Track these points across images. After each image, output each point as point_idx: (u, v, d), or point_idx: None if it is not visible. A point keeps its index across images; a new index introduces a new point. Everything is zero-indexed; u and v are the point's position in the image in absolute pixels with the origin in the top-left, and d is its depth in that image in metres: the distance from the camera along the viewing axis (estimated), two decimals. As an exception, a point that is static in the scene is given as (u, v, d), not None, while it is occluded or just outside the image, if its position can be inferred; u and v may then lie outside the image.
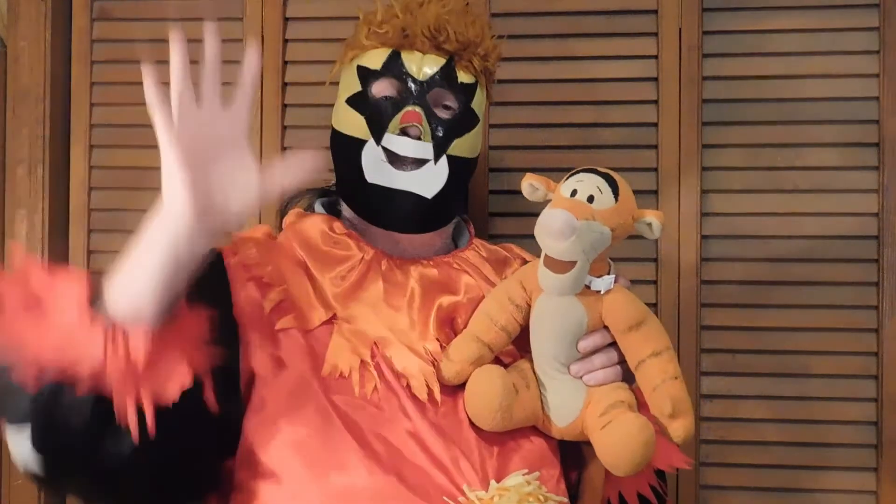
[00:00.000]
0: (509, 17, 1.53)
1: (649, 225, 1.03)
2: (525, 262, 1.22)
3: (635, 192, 1.06)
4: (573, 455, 1.11)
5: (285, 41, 1.56)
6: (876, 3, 1.46)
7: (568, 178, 1.04)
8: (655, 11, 1.50)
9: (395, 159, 1.11)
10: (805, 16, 1.48)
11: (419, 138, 1.10)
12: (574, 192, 1.01)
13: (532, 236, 1.38)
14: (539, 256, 1.03)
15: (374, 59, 1.14)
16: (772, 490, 1.47)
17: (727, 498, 1.48)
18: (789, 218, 1.47)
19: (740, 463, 1.47)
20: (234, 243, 1.13)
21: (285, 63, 1.56)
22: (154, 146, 1.65)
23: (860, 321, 1.46)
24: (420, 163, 1.11)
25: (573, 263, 0.99)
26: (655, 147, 1.49)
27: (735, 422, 1.47)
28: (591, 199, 1.00)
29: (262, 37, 1.56)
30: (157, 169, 1.61)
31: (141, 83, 1.69)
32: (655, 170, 1.49)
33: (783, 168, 1.48)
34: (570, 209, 0.98)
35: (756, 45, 1.49)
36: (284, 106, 1.56)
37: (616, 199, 1.01)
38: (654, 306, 1.48)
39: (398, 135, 1.11)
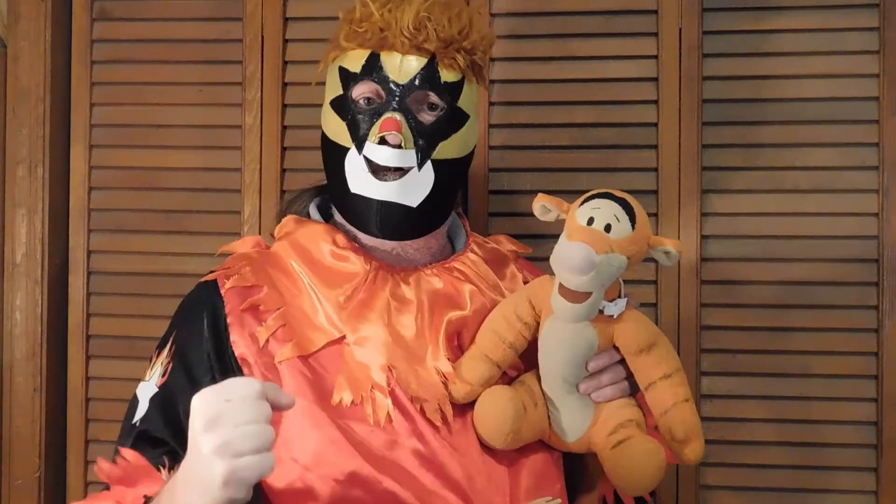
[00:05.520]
0: (509, 17, 1.53)
1: (667, 253, 1.02)
2: (517, 255, 1.22)
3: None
4: (568, 457, 1.11)
5: (285, 41, 1.56)
6: (876, 3, 1.46)
7: (583, 202, 1.02)
8: (655, 11, 1.50)
9: (376, 169, 1.07)
10: (805, 16, 1.47)
11: (399, 146, 1.06)
12: (591, 220, 0.99)
13: (531, 237, 1.38)
14: (529, 253, 1.03)
15: (354, 60, 1.10)
16: (772, 490, 1.46)
17: (727, 498, 1.48)
18: (789, 218, 1.47)
19: (740, 463, 1.47)
20: (227, 264, 1.12)
21: (285, 63, 1.56)
22: (153, 146, 1.66)
23: (860, 321, 1.45)
24: (402, 171, 1.07)
25: (589, 294, 0.98)
26: (655, 147, 1.49)
27: (735, 422, 1.47)
28: (608, 227, 0.98)
29: (262, 37, 1.56)
30: (157, 169, 1.62)
31: (141, 83, 1.71)
32: (655, 170, 1.49)
33: (783, 168, 1.48)
34: (588, 242, 0.96)
35: (756, 45, 1.48)
36: (284, 106, 1.56)
37: (633, 227, 1.00)
38: (654, 306, 1.48)
39: (378, 143, 1.06)
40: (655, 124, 1.49)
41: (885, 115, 1.45)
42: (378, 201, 1.08)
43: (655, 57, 1.50)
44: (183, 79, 1.59)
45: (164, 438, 1.01)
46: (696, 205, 1.48)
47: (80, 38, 1.61)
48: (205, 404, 0.82)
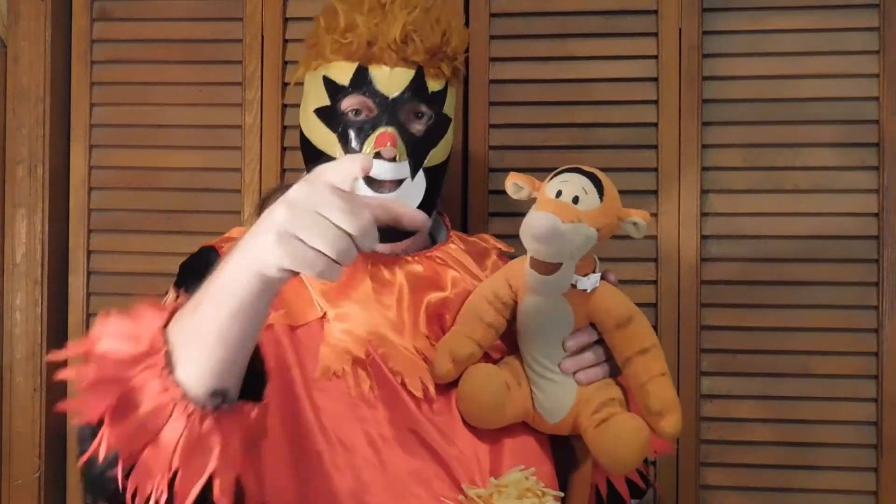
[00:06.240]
0: (509, 17, 1.53)
1: (635, 224, 1.03)
2: (501, 251, 1.23)
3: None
4: (560, 445, 1.11)
5: (285, 41, 1.56)
6: (876, 3, 1.46)
7: (552, 177, 1.03)
8: (655, 11, 1.50)
9: (372, 182, 1.08)
10: (805, 16, 1.47)
11: (394, 159, 1.08)
12: (559, 193, 1.00)
13: (532, 236, 1.38)
14: (522, 254, 1.03)
15: (341, 73, 1.11)
16: (771, 490, 1.46)
17: (727, 498, 1.48)
18: (789, 218, 1.47)
19: (740, 463, 1.47)
20: (220, 241, 1.13)
21: (285, 63, 1.56)
22: (153, 146, 1.66)
23: (860, 321, 1.45)
24: (398, 183, 1.09)
25: (559, 265, 0.99)
26: (655, 147, 1.49)
27: (735, 422, 1.47)
28: (576, 199, 0.99)
29: (262, 37, 1.56)
30: (157, 169, 1.62)
31: (141, 83, 1.71)
32: (655, 170, 1.49)
33: (783, 168, 1.48)
34: (555, 211, 0.97)
35: (756, 45, 1.48)
36: (284, 106, 1.56)
37: (601, 200, 1.01)
38: (654, 306, 1.48)
39: (373, 157, 1.07)
40: (655, 124, 1.49)
41: (885, 115, 1.45)
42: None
43: (655, 57, 1.50)
44: (183, 79, 1.59)
45: None
46: (696, 205, 1.48)
47: (80, 38, 1.61)
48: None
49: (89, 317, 1.60)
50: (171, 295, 1.07)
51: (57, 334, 1.60)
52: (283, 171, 1.56)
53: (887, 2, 1.45)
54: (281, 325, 1.03)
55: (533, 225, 0.98)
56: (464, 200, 1.53)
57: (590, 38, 1.52)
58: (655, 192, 1.49)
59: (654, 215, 1.48)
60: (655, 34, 1.50)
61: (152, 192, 1.59)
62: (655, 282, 1.49)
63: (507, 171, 1.51)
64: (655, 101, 1.49)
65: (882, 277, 1.44)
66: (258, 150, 1.56)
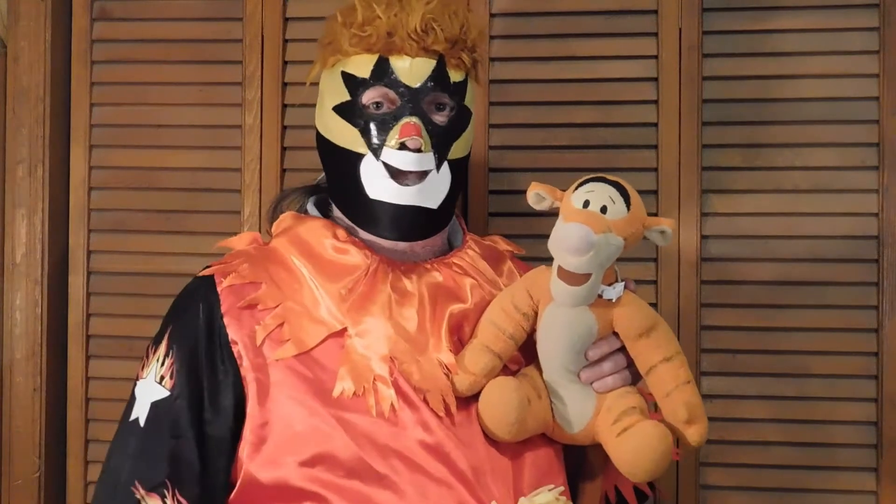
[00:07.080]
0: (509, 17, 1.53)
1: (662, 233, 1.02)
2: (512, 254, 1.22)
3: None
4: (571, 452, 1.12)
5: (285, 41, 1.56)
6: (876, 3, 1.46)
7: (577, 187, 1.03)
8: (655, 11, 1.50)
9: (397, 174, 1.07)
10: (805, 16, 1.48)
11: (419, 150, 1.06)
12: (586, 203, 1.00)
13: (531, 237, 1.38)
14: (531, 254, 1.03)
15: (361, 66, 1.09)
16: (772, 490, 1.47)
17: (727, 498, 1.48)
18: (789, 218, 1.47)
19: (740, 463, 1.47)
20: (225, 260, 1.12)
21: (285, 63, 1.56)
22: (153, 146, 1.67)
23: (860, 321, 1.45)
24: (423, 175, 1.08)
25: (588, 276, 0.99)
26: (655, 147, 1.49)
27: (735, 422, 1.47)
28: (604, 209, 0.99)
29: (262, 37, 1.56)
30: (157, 169, 1.63)
31: (141, 83, 1.71)
32: (655, 170, 1.49)
33: (783, 168, 1.48)
34: (586, 222, 0.97)
35: (756, 45, 1.48)
36: (284, 106, 1.56)
37: (628, 209, 1.00)
38: (654, 306, 1.48)
39: (398, 149, 1.06)
40: (655, 124, 1.49)
41: (885, 115, 1.45)
42: (400, 206, 1.08)
43: (655, 57, 1.50)
44: (183, 79, 1.59)
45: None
46: (696, 205, 1.48)
47: (80, 38, 1.61)
48: None
49: (89, 317, 1.60)
50: (163, 351, 1.06)
51: (57, 334, 1.60)
52: (283, 171, 1.56)
53: (887, 2, 1.45)
54: (290, 357, 1.03)
55: (565, 237, 0.97)
56: (464, 200, 1.53)
57: (590, 38, 1.52)
58: (655, 192, 1.49)
59: (654, 215, 1.48)
60: (655, 34, 1.50)
61: (152, 192, 1.59)
62: (655, 282, 1.49)
63: (507, 171, 1.53)
64: (655, 101, 1.50)
65: (882, 277, 1.44)
66: (258, 150, 1.56)
